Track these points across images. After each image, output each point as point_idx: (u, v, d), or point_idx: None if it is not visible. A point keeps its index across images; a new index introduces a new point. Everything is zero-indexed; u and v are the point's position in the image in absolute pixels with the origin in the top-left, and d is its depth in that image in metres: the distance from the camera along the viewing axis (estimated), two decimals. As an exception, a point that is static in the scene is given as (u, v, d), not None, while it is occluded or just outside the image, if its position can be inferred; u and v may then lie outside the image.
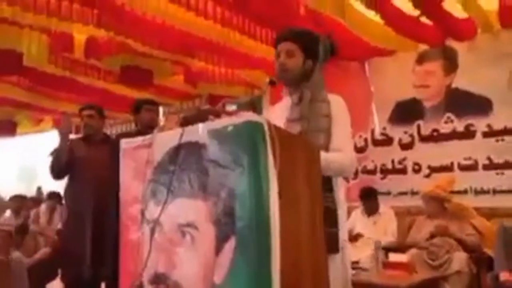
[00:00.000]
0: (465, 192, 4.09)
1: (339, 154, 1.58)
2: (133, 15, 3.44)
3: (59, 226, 4.82)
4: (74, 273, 2.76)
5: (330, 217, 1.46)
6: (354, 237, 3.90)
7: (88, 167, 2.85)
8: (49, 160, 2.92)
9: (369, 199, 4.13)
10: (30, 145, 8.23)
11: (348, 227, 4.13)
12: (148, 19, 3.56)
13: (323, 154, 1.46)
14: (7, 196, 6.36)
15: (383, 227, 4.02)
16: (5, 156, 8.97)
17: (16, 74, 4.57)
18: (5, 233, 3.29)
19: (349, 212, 4.35)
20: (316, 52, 1.68)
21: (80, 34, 3.94)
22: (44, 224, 5.44)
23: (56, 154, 2.86)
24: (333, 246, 1.48)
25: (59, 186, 3.48)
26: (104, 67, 4.68)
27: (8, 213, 6.13)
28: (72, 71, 4.59)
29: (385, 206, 4.17)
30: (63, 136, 2.87)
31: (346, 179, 1.80)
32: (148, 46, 4.02)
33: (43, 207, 5.76)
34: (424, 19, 3.78)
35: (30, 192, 7.18)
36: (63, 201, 3.39)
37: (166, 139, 1.30)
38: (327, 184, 1.51)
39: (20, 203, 5.88)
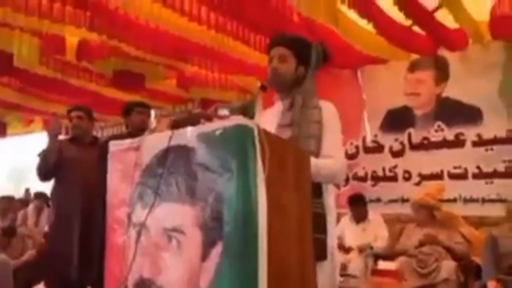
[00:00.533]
0: (454, 200, 4.11)
1: (329, 160, 1.58)
2: (127, 19, 3.42)
3: (46, 228, 4.75)
4: (60, 277, 2.72)
5: (319, 223, 1.45)
6: (345, 250, 3.88)
7: (76, 169, 2.81)
8: (37, 161, 2.88)
9: (358, 206, 4.11)
10: (20, 146, 8.15)
11: (336, 233, 4.16)
12: (142, 24, 3.54)
13: (313, 160, 1.45)
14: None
15: (373, 234, 4.01)
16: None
17: (6, 75, 4.52)
18: None
19: (338, 219, 4.36)
20: (309, 58, 1.68)
21: (72, 37, 3.91)
22: (31, 226, 5.37)
23: (44, 155, 2.83)
24: (321, 252, 1.47)
25: (48, 188, 3.44)
26: (96, 70, 4.65)
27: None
28: (63, 73, 4.55)
29: (374, 213, 4.16)
30: (52, 137, 2.84)
31: (337, 185, 1.80)
32: (141, 50, 4.01)
33: (30, 208, 5.70)
34: (416, 29, 3.82)
35: (19, 194, 7.09)
36: (50, 203, 3.33)
37: (155, 142, 1.28)
38: (317, 190, 1.50)
39: (7, 204, 5.80)
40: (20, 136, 7.94)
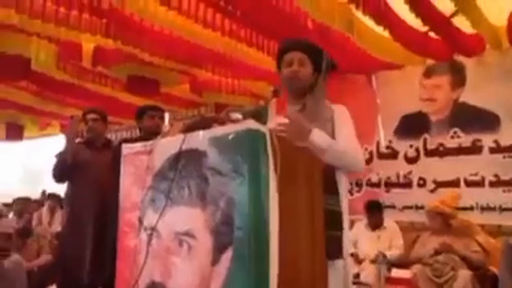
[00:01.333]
0: (471, 208, 4.03)
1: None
2: (141, 25, 3.45)
3: (59, 228, 4.79)
4: (72, 279, 2.73)
5: (335, 221, 1.44)
6: (358, 260, 3.84)
7: (90, 171, 2.83)
8: (53, 162, 2.90)
9: (375, 213, 4.08)
10: (36, 149, 8.29)
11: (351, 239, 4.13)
12: (156, 30, 3.57)
13: (336, 144, 1.49)
14: (11, 199, 6.38)
15: (388, 241, 3.96)
16: (12, 160, 9.04)
17: (23, 79, 4.59)
18: (1, 236, 3.27)
19: (351, 224, 4.34)
20: (321, 64, 1.70)
21: (88, 43, 3.97)
22: (45, 226, 5.44)
23: (61, 156, 2.85)
24: (336, 250, 1.45)
25: (62, 190, 3.47)
26: (111, 75, 4.71)
27: (11, 215, 6.15)
28: (79, 78, 4.62)
29: (389, 220, 4.11)
30: (70, 139, 2.85)
31: (350, 192, 1.79)
32: (155, 56, 4.04)
33: (44, 208, 5.79)
34: (432, 34, 3.77)
35: (35, 196, 7.20)
36: (64, 205, 3.36)
37: (167, 145, 1.29)
38: (333, 187, 1.50)
39: (23, 205, 5.90)
40: (37, 140, 8.08)
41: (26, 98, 5.48)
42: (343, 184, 1.61)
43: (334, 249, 1.38)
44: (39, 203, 6.47)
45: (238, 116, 1.43)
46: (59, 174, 2.88)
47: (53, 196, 5.77)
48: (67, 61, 4.24)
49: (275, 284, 1.06)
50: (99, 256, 2.62)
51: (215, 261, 1.09)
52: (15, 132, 7.10)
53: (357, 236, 4.09)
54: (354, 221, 4.09)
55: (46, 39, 3.77)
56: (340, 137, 1.61)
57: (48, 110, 6.02)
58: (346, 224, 1.58)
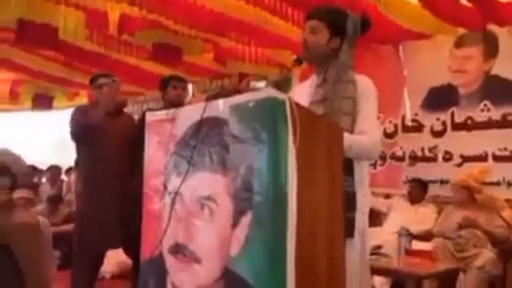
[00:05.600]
0: (497, 183, 3.94)
1: (363, 136, 1.56)
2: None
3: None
4: (91, 240, 2.70)
5: (348, 202, 1.43)
6: (378, 221, 3.88)
7: (105, 136, 2.73)
8: (76, 121, 2.80)
9: (416, 187, 4.13)
10: (65, 119, 8.51)
11: (385, 206, 4.17)
12: (181, -2, 3.57)
13: (346, 135, 1.44)
14: (44, 167, 6.65)
15: (423, 216, 3.95)
16: (45, 129, 9.35)
17: (51, 49, 4.69)
18: (25, 200, 3.38)
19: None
20: (344, 29, 1.62)
21: (114, 11, 4.00)
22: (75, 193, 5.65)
23: (89, 118, 2.73)
24: (348, 230, 1.46)
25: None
26: (136, 42, 4.74)
27: (44, 181, 6.43)
28: (106, 47, 4.68)
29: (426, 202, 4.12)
30: (108, 102, 2.77)
31: (373, 164, 1.78)
32: (179, 24, 4.04)
33: (73, 176, 6.00)
34: (463, 2, 3.61)
35: (65, 165, 7.46)
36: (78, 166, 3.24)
37: (189, 113, 1.31)
38: (347, 166, 1.47)
39: (55, 173, 6.14)
40: (65, 110, 8.29)
41: (54, 68, 5.60)
42: (360, 163, 1.60)
43: (345, 229, 1.39)
44: (69, 172, 6.71)
45: (260, 85, 1.43)
46: (82, 136, 2.76)
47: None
48: (93, 29, 4.29)
49: (293, 248, 1.09)
50: (120, 217, 2.65)
51: (235, 224, 1.13)
52: (44, 102, 7.31)
53: (393, 208, 4.12)
54: (374, 194, 4.11)
55: (73, 6, 3.81)
56: (360, 117, 1.57)
57: (76, 81, 6.15)
58: (361, 204, 1.57)
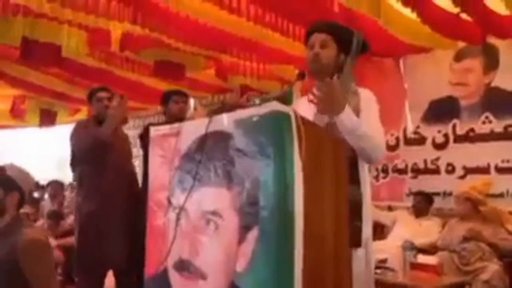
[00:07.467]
0: (501, 195, 3.92)
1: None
2: (167, 12, 3.50)
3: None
4: (93, 256, 2.63)
5: (355, 211, 1.43)
6: (382, 234, 3.84)
7: (111, 150, 2.67)
8: (87, 143, 2.68)
9: (421, 201, 4.10)
10: (66, 135, 8.54)
11: (389, 219, 4.14)
12: (182, 16, 3.60)
13: (362, 128, 1.49)
14: (45, 182, 6.64)
15: (428, 229, 3.91)
16: (47, 145, 9.38)
17: (54, 66, 4.74)
18: (26, 216, 3.34)
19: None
20: (349, 45, 1.65)
21: (116, 30, 4.05)
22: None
23: (100, 138, 2.63)
24: (355, 240, 1.46)
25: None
26: (139, 60, 4.79)
27: (46, 197, 6.41)
28: (108, 63, 4.72)
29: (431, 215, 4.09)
30: (116, 118, 2.67)
31: (376, 177, 1.78)
32: (181, 41, 4.09)
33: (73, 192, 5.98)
34: (463, 16, 3.64)
35: (67, 181, 7.45)
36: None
37: (193, 128, 1.31)
38: (354, 177, 1.49)
39: (56, 188, 6.12)
40: (66, 125, 8.32)
41: (58, 84, 5.64)
42: (365, 173, 1.61)
43: (352, 239, 1.38)
44: (72, 187, 6.70)
45: (258, 101, 1.44)
46: (95, 156, 2.66)
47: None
48: (96, 47, 4.34)
49: (300, 263, 1.08)
50: (123, 234, 2.61)
51: (241, 240, 1.11)
52: (48, 118, 7.34)
53: (397, 221, 4.09)
54: (377, 207, 4.08)
55: (76, 26, 3.87)
56: (365, 126, 1.58)
57: (78, 96, 6.19)
58: (366, 215, 1.57)
